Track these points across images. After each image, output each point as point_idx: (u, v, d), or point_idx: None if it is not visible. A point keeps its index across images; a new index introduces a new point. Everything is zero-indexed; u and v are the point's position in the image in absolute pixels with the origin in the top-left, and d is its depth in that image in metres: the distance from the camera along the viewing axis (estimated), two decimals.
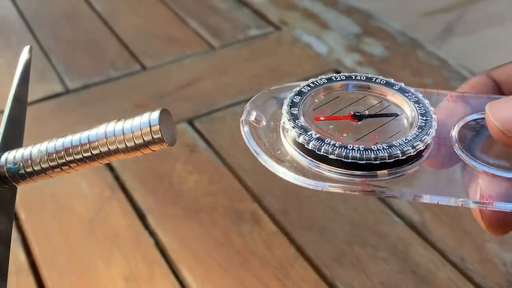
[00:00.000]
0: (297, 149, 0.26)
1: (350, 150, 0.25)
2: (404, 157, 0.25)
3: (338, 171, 0.25)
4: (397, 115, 0.28)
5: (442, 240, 0.60)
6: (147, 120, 0.24)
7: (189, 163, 0.70)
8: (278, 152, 0.27)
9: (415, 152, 0.26)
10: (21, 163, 0.27)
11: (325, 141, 0.25)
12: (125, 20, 1.02)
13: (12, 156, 0.27)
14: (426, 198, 0.26)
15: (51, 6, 1.07)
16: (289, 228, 0.61)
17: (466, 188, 0.27)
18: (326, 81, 0.29)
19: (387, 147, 0.25)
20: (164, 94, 0.82)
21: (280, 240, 0.60)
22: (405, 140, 0.26)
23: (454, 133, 0.28)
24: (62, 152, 0.26)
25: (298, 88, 0.28)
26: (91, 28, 1.00)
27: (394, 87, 0.29)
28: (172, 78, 0.86)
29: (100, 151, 0.25)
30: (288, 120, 0.27)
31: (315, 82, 0.29)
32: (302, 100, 0.28)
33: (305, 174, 0.26)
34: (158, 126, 0.24)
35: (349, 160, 0.25)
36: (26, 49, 0.33)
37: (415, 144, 0.25)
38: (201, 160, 0.70)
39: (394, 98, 0.29)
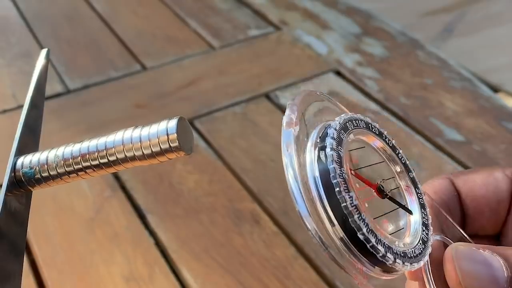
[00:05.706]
0: (320, 188, 0.24)
1: (378, 241, 0.23)
2: (406, 269, 0.25)
3: (347, 243, 0.24)
4: (411, 213, 0.27)
5: None
6: (164, 128, 0.24)
7: (189, 163, 0.70)
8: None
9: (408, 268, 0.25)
10: (37, 167, 0.26)
11: (366, 222, 0.23)
12: (125, 20, 1.02)
13: (28, 160, 0.27)
14: None
15: (51, 6, 1.07)
16: (289, 228, 0.61)
17: None
18: (364, 125, 0.27)
19: (402, 254, 0.24)
20: (164, 94, 0.83)
21: (280, 240, 0.60)
22: (414, 253, 0.25)
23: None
24: (79, 157, 0.26)
25: (341, 120, 0.26)
26: (91, 28, 1.00)
27: (409, 174, 0.28)
28: (172, 78, 0.86)
29: (116, 157, 0.25)
30: (343, 183, 0.24)
31: (357, 122, 0.26)
32: (343, 141, 0.25)
33: (313, 217, 0.23)
34: (175, 134, 0.24)
35: (371, 250, 0.24)
36: (43, 53, 0.31)
37: (415, 263, 0.25)
38: (201, 160, 0.70)
39: (407, 185, 0.28)
